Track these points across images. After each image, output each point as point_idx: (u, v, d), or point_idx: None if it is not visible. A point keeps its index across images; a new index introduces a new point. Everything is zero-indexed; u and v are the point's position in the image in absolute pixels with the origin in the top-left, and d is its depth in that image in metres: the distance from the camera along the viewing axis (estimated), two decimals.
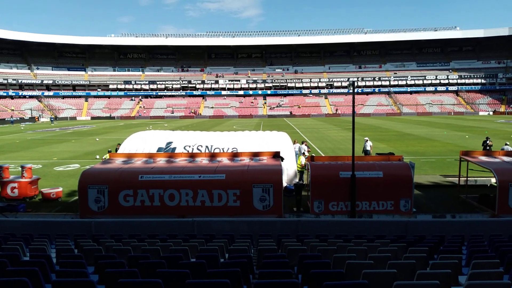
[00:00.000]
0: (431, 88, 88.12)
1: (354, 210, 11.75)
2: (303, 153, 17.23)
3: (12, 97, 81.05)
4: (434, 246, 7.44)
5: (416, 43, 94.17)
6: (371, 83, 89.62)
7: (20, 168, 14.85)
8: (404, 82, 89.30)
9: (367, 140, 20.65)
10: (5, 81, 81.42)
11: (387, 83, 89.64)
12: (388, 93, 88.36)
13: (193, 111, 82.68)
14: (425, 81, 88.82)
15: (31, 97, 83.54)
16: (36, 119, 72.17)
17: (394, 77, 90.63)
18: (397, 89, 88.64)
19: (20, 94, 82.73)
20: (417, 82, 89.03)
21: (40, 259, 5.75)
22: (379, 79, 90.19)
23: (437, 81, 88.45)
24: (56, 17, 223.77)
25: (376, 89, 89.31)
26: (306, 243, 7.52)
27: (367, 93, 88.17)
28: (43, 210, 12.99)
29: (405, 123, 52.64)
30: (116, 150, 17.83)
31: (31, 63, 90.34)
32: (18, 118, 68.40)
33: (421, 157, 22.84)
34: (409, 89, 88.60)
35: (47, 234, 9.09)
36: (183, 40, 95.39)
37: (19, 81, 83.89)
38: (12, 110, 74.18)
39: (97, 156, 23.91)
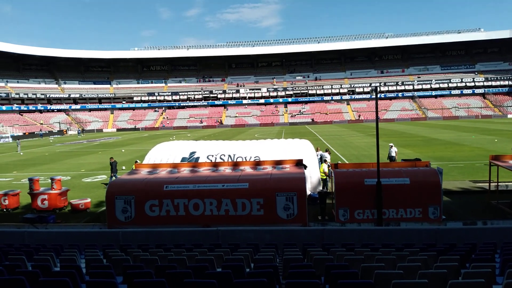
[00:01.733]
0: (457, 92, 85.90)
1: (380, 218, 11.51)
2: (325, 160, 17.04)
3: (41, 111, 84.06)
4: (465, 254, 7.18)
5: (440, 46, 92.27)
6: (394, 88, 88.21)
7: (50, 180, 15.31)
8: (428, 86, 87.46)
9: (392, 146, 20.27)
10: (34, 96, 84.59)
11: (411, 87, 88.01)
12: (412, 97, 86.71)
13: (218, 120, 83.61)
14: (450, 84, 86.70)
15: (59, 110, 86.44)
16: (64, 132, 74.50)
17: (417, 81, 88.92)
18: (421, 93, 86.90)
19: (48, 108, 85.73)
20: (441, 85, 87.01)
21: (70, 270, 5.88)
22: (402, 84, 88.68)
23: (463, 84, 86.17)
24: (82, 33, 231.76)
25: (400, 94, 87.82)
26: (332, 252, 7.40)
27: (390, 98, 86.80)
28: (72, 221, 13.33)
29: (431, 128, 51.42)
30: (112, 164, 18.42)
31: (58, 78, 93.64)
32: (47, 132, 70.72)
33: (449, 162, 22.22)
34: (433, 93, 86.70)
35: (77, 245, 9.30)
36: (204, 51, 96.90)
37: (48, 95, 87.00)
38: (41, 123, 76.83)
39: (123, 167, 24.42)
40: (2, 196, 14.85)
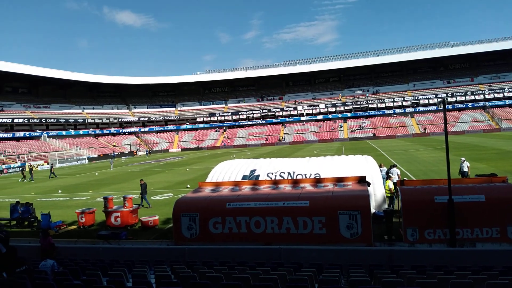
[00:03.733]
0: None
1: (454, 238, 10.72)
2: (389, 177, 16.33)
3: (114, 134, 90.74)
4: None
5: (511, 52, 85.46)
6: (462, 98, 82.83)
7: (122, 199, 16.35)
8: (501, 95, 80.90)
9: (463, 161, 18.97)
10: (108, 120, 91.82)
11: (481, 97, 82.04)
12: (484, 107, 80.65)
13: (280, 138, 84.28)
14: None
15: (129, 133, 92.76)
16: (135, 153, 79.48)
17: (488, 90, 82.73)
18: (493, 102, 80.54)
19: (120, 131, 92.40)
20: None
21: (142, 286, 6.20)
22: (472, 93, 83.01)
23: None
24: (149, 60, 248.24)
25: (469, 104, 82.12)
26: (402, 274, 7.03)
27: (459, 109, 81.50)
28: (142, 237, 14.05)
29: (507, 140, 47.27)
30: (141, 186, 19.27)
31: (129, 103, 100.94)
32: (119, 153, 75.86)
33: None
34: (507, 101, 79.92)
35: (147, 260, 9.79)
36: (261, 72, 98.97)
37: (119, 119, 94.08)
38: (114, 146, 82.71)
39: (188, 185, 25.38)
40: (79, 214, 16.10)
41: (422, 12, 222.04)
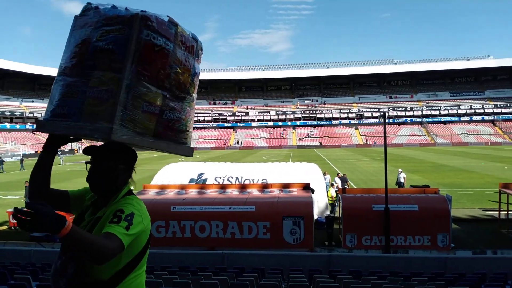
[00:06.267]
0: (466, 118, 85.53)
1: (388, 245, 11.36)
2: (332, 185, 16.98)
3: None
4: (474, 284, 7.05)
5: (449, 72, 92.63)
6: (402, 113, 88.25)
7: None
8: (437, 112, 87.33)
9: (400, 172, 20.16)
10: (39, 115, 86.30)
11: (420, 113, 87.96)
12: (421, 123, 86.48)
13: (237, 142, 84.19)
14: (459, 111, 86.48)
15: None
16: (76, 151, 75.40)
17: (426, 107, 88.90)
18: (430, 119, 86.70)
19: None
20: (450, 111, 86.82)
21: None
22: (411, 109, 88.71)
23: (472, 111, 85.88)
24: None
25: (408, 119, 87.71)
26: (339, 279, 7.32)
27: (399, 123, 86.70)
28: None
29: (440, 154, 51.01)
30: (25, 188, 17.43)
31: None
32: (60, 152, 71.59)
33: (458, 189, 21.95)
34: (442, 119, 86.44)
35: None
36: (215, 75, 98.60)
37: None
38: None
39: (132, 187, 24.51)
40: (10, 214, 14.99)
41: (369, 29, 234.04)
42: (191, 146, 2.58)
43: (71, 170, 39.82)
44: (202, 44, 2.63)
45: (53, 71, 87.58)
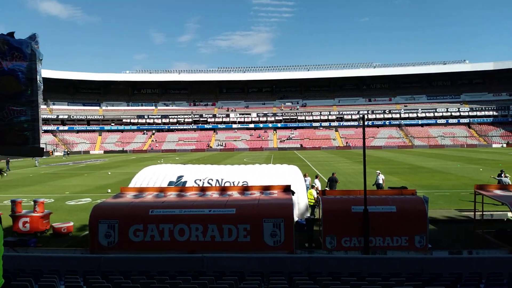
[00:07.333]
0: (443, 121, 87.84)
1: (367, 246, 11.45)
2: (312, 186, 17.06)
3: None
4: (451, 284, 7.17)
5: (426, 76, 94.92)
6: (381, 116, 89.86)
7: (32, 203, 14.96)
8: (415, 115, 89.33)
9: (379, 174, 20.43)
10: None
11: (398, 115, 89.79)
12: (399, 125, 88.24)
13: (222, 144, 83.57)
14: (436, 114, 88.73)
15: (46, 131, 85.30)
16: (50, 153, 73.46)
17: (404, 109, 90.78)
18: (408, 121, 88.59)
19: None
20: (428, 114, 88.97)
21: None
22: (390, 112, 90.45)
23: (448, 114, 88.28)
24: (74, 55, 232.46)
25: (387, 122, 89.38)
26: (319, 281, 7.32)
27: (378, 126, 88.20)
28: (54, 245, 12.95)
29: (418, 156, 52.11)
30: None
31: (47, 99, 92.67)
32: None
33: (435, 190, 22.43)
34: (420, 121, 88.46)
35: (57, 270, 9.02)
36: (195, 76, 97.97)
37: None
38: None
39: (109, 190, 24.05)
40: None
41: (349, 33, 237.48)
42: (40, 146, 2.58)
43: (46, 172, 38.74)
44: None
45: None
